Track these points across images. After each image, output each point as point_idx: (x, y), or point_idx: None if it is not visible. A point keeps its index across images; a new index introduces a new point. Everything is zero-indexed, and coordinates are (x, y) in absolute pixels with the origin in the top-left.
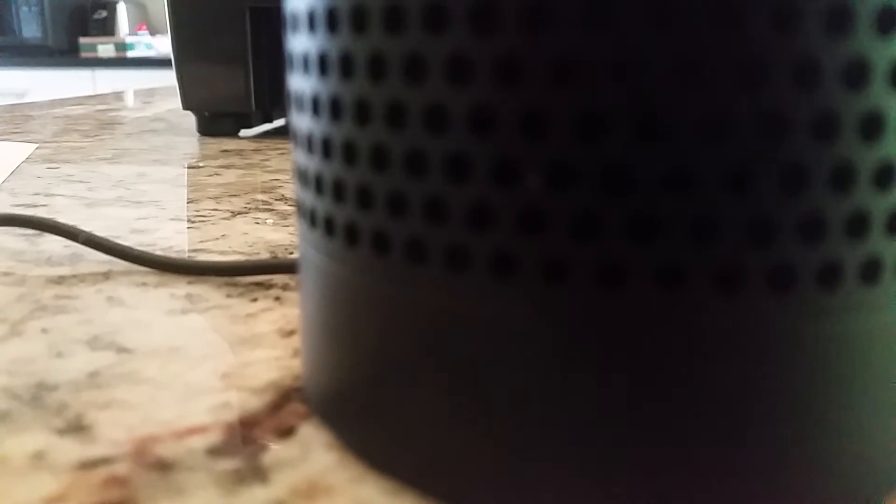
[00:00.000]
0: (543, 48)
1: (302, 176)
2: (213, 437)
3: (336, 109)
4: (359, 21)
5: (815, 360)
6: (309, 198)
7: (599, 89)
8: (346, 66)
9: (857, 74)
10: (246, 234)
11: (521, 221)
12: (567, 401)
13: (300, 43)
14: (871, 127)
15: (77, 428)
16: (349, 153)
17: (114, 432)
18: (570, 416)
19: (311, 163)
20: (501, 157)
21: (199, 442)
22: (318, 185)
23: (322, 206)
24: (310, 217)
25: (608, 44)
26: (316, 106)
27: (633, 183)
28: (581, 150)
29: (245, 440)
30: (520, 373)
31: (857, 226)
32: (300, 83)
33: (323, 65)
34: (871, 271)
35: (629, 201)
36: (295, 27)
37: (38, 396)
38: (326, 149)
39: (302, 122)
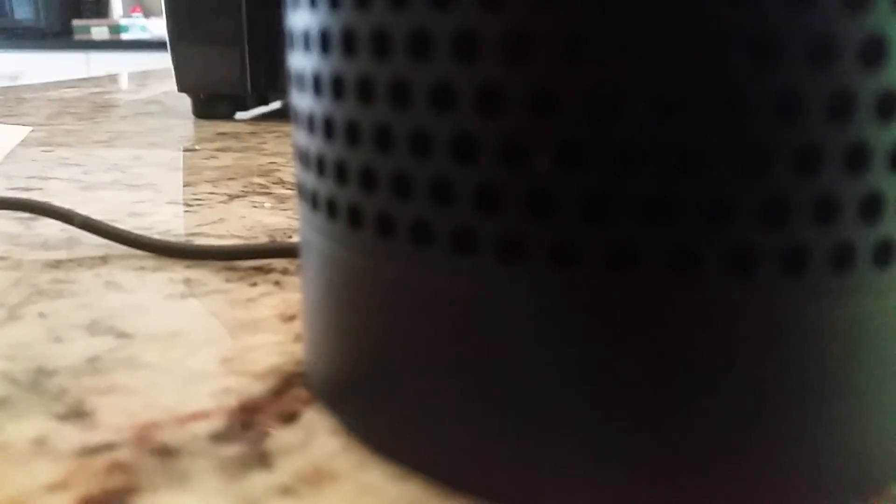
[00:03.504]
0: (554, 24)
1: (303, 157)
2: (216, 423)
3: (338, 88)
4: None
5: (829, 343)
6: (310, 179)
7: (611, 67)
8: (349, 43)
9: (873, 52)
10: (244, 217)
11: (529, 203)
12: (576, 385)
13: (301, 19)
14: (888, 107)
15: (78, 413)
16: (352, 133)
17: (115, 418)
18: (579, 400)
19: (313, 143)
20: (509, 136)
21: (202, 428)
22: (320, 167)
23: (324, 187)
24: (311, 199)
25: (620, 20)
26: (318, 85)
27: (645, 164)
28: (591, 130)
29: (248, 426)
30: (527, 356)
31: (871, 207)
32: (301, 61)
33: (325, 42)
34: (885, 253)
35: (640, 183)
36: (295, 3)
37: (38, 382)
38: (328, 129)
39: (303, 101)
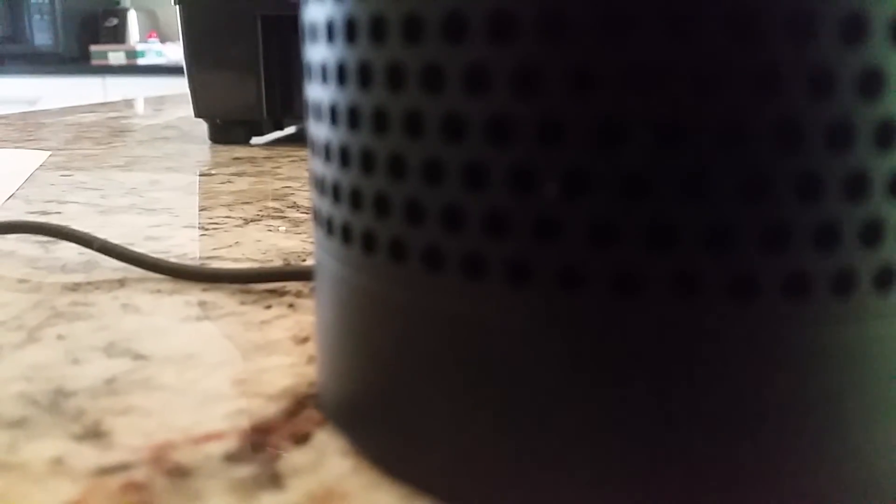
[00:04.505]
0: (561, 57)
1: (319, 184)
2: (230, 444)
3: (354, 118)
4: (377, 31)
5: (830, 368)
6: (326, 206)
7: (617, 98)
8: (365, 76)
9: (871, 83)
10: (259, 241)
11: (538, 229)
12: (583, 408)
13: (318, 52)
14: (887, 135)
15: (95, 434)
16: (367, 162)
17: (131, 438)
18: (587, 423)
19: (329, 171)
20: (518, 165)
21: (216, 448)
22: (336, 194)
23: (339, 214)
24: (326, 225)
25: (626, 52)
26: (334, 115)
27: (650, 191)
28: (598, 158)
29: (260, 447)
30: (536, 380)
31: (872, 233)
32: (318, 92)
33: (341, 74)
34: (886, 279)
35: (646, 209)
36: (314, 37)
37: (56, 403)
38: (344, 157)
39: (320, 130)
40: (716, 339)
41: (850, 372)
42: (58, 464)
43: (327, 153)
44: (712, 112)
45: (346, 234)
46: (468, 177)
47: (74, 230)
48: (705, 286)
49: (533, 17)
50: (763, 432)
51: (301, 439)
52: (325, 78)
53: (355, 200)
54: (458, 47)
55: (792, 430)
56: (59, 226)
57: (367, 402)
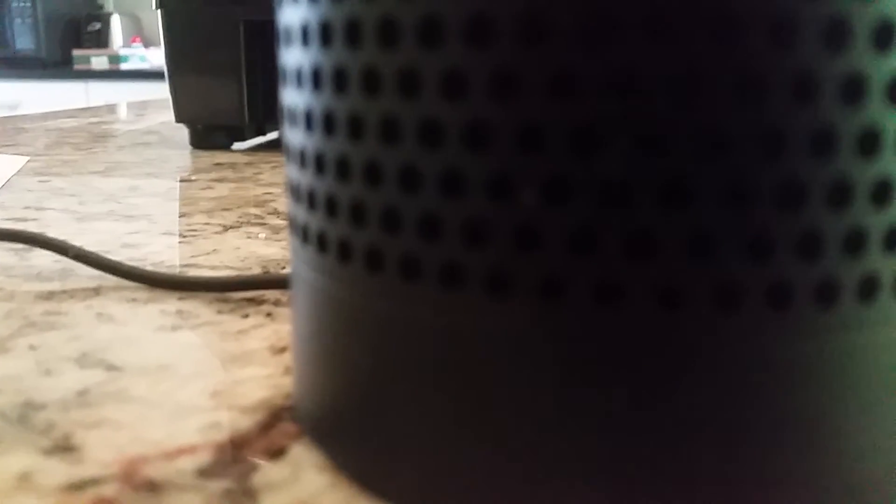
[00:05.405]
0: (539, 63)
1: (294, 191)
2: (203, 458)
3: (329, 124)
4: (353, 35)
5: (813, 378)
6: (301, 213)
7: (596, 105)
8: (340, 81)
9: (854, 90)
10: (238, 248)
11: (516, 238)
12: (565, 419)
13: (293, 57)
14: (869, 143)
15: (64, 448)
16: (342, 168)
17: (102, 452)
18: (569, 434)
19: (304, 178)
20: (497, 172)
21: (189, 462)
22: (311, 201)
23: (315, 221)
24: (302, 233)
25: (605, 59)
26: (309, 120)
27: (630, 199)
28: (577, 166)
29: (235, 460)
30: (516, 391)
31: (855, 243)
32: (293, 97)
33: (316, 79)
34: (869, 289)
35: (626, 218)
36: (288, 41)
37: (25, 415)
38: (319, 164)
39: (295, 136)
40: (698, 350)
41: (834, 381)
42: (25, 479)
43: (302, 159)
44: (693, 119)
45: (321, 243)
46: (446, 184)
47: (50, 237)
48: (687, 296)
49: (511, 22)
50: (747, 443)
51: (276, 453)
52: (299, 82)
53: (331, 208)
54: (434, 52)
55: (776, 440)
56: (33, 233)
57: (344, 414)
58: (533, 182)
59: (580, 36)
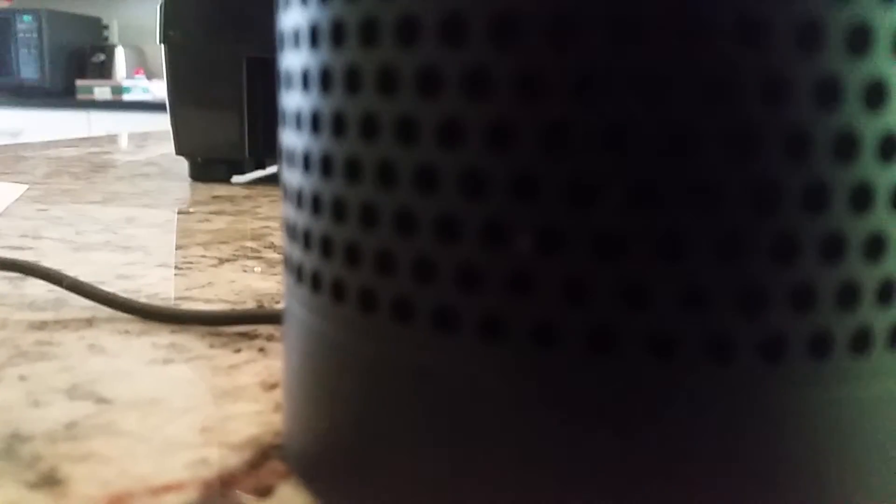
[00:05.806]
0: (536, 114)
1: (290, 230)
2: (190, 495)
3: (327, 167)
4: (352, 81)
5: (806, 430)
6: (296, 252)
7: (591, 156)
8: (339, 125)
9: (847, 146)
10: (233, 282)
11: (510, 284)
12: (556, 465)
13: (293, 100)
14: (862, 198)
15: (50, 482)
16: (338, 210)
17: (87, 487)
18: (559, 479)
19: (300, 218)
20: (492, 219)
21: (176, 499)
22: (307, 241)
23: (309, 261)
24: (297, 272)
25: (600, 111)
26: (307, 162)
27: (624, 249)
28: (572, 216)
29: (221, 499)
30: (507, 435)
31: (848, 296)
32: (292, 139)
33: (315, 122)
34: (862, 341)
35: (619, 268)
36: (289, 84)
37: (12, 448)
38: (316, 205)
39: (292, 177)
40: (691, 400)
41: (826, 434)
42: None
43: (299, 200)
44: (687, 172)
45: (315, 282)
46: (441, 229)
47: (44, 267)
48: (681, 346)
49: (508, 72)
50: (739, 494)
51: (264, 492)
52: (299, 125)
53: (326, 248)
54: (432, 99)
55: (768, 491)
56: (28, 262)
57: (333, 455)
58: (527, 230)
59: (574, 85)
